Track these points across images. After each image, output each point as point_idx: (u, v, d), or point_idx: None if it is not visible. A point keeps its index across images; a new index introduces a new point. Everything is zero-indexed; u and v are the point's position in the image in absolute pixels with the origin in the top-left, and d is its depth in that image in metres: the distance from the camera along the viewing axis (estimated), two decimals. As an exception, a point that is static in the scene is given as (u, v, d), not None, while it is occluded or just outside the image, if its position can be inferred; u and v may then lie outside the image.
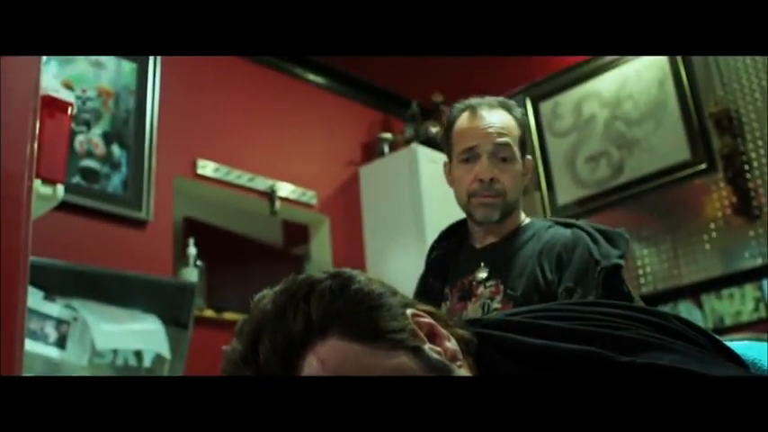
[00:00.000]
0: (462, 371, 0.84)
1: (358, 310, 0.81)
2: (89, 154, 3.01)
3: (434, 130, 4.13)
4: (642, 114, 3.74)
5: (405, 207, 3.86)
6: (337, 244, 3.98)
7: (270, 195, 3.71)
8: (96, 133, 3.06)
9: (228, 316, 3.25)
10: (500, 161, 1.72)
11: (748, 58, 3.45)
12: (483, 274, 1.72)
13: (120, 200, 3.05)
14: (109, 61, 3.17)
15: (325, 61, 4.20)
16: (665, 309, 3.20)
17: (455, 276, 1.77)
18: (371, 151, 4.30)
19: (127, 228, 3.07)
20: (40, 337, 2.40)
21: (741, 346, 0.99)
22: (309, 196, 3.91)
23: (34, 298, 2.38)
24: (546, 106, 4.08)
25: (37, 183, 1.66)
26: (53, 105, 1.74)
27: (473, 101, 1.83)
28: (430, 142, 4.07)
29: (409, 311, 0.85)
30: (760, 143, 3.36)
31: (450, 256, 1.83)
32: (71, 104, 1.81)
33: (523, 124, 1.80)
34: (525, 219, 1.81)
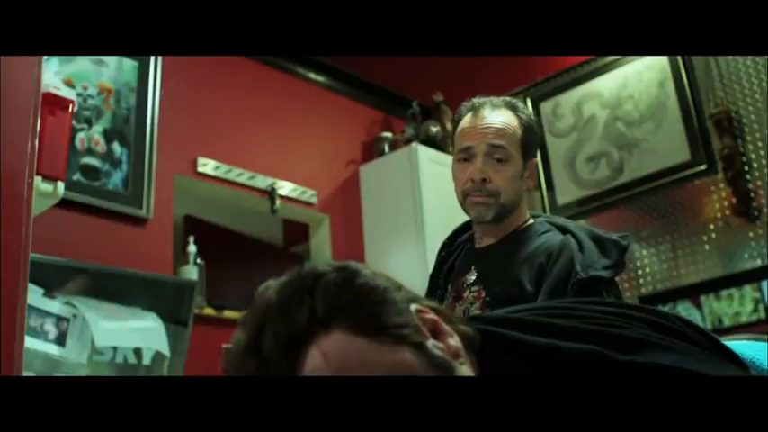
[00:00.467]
0: (464, 368, 0.84)
1: (362, 304, 0.80)
2: (90, 151, 3.02)
3: (435, 129, 4.13)
4: (642, 115, 3.74)
5: (405, 206, 3.86)
6: (337, 243, 3.99)
7: (270, 194, 3.71)
8: (97, 131, 3.06)
9: (228, 314, 3.25)
10: (495, 162, 1.71)
11: (749, 59, 3.45)
12: (472, 277, 1.71)
13: (121, 197, 3.05)
14: (110, 59, 3.17)
15: (326, 60, 4.20)
16: (664, 309, 3.20)
17: (456, 276, 1.77)
18: (372, 150, 4.30)
19: (127, 225, 3.07)
20: (39, 334, 2.41)
21: (739, 344, 0.99)
22: (310, 195, 3.91)
23: (34, 295, 2.39)
24: (546, 106, 4.08)
25: (38, 180, 1.66)
26: (54, 103, 1.75)
27: (478, 100, 1.82)
28: (430, 142, 4.07)
29: (413, 307, 0.85)
30: (760, 144, 3.37)
31: (457, 254, 1.83)
32: (72, 102, 1.81)
33: (528, 125, 1.76)
34: (528, 221, 1.77)
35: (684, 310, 3.39)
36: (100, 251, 2.88)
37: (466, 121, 1.78)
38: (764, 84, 3.39)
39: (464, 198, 1.73)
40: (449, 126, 4.23)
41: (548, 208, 3.89)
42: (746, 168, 3.38)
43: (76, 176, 2.93)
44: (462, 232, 1.89)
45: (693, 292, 3.43)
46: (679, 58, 3.64)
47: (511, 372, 0.86)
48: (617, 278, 1.65)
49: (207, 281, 3.30)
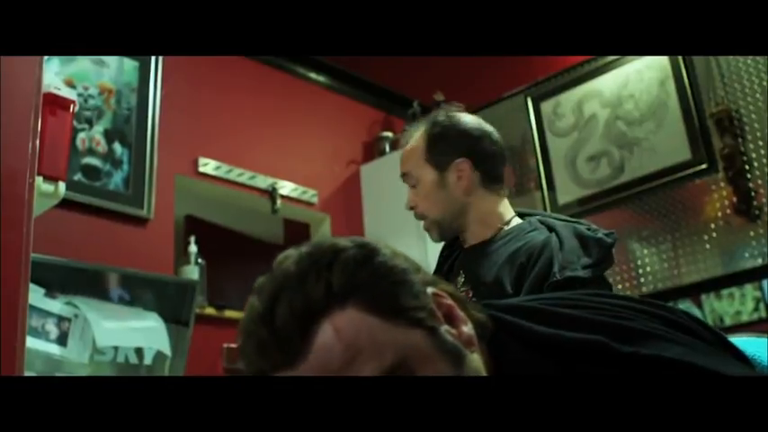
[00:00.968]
0: (475, 356, 0.84)
1: (380, 284, 0.80)
2: (91, 151, 3.02)
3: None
4: (643, 114, 3.74)
5: (405, 206, 3.85)
6: (338, 242, 3.98)
7: (271, 194, 3.71)
8: (98, 131, 3.07)
9: (229, 314, 3.25)
10: (412, 188, 1.76)
11: (749, 59, 3.45)
12: (461, 279, 1.70)
13: (122, 197, 3.06)
14: (111, 59, 3.17)
15: (327, 60, 4.20)
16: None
17: (453, 276, 1.77)
18: (372, 150, 4.30)
19: (128, 225, 3.07)
20: (41, 334, 2.41)
21: (740, 341, 0.99)
22: (310, 195, 3.91)
23: (36, 295, 2.39)
24: (547, 106, 4.07)
25: (39, 180, 1.66)
26: (55, 103, 1.75)
27: (407, 127, 1.86)
28: (431, 141, 4.06)
29: (430, 290, 0.85)
30: (761, 143, 3.36)
31: (457, 254, 1.83)
32: (73, 102, 1.82)
33: (433, 133, 1.72)
34: (511, 220, 1.73)
35: (686, 309, 3.39)
36: (101, 251, 2.88)
37: None
38: (765, 83, 3.39)
39: None
40: (449, 125, 4.23)
41: (549, 207, 3.89)
42: (747, 167, 3.37)
43: (77, 176, 2.93)
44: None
45: (694, 292, 3.42)
46: (680, 57, 3.64)
47: (520, 360, 0.86)
48: (611, 275, 1.63)
49: (208, 281, 3.31)
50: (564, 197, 3.91)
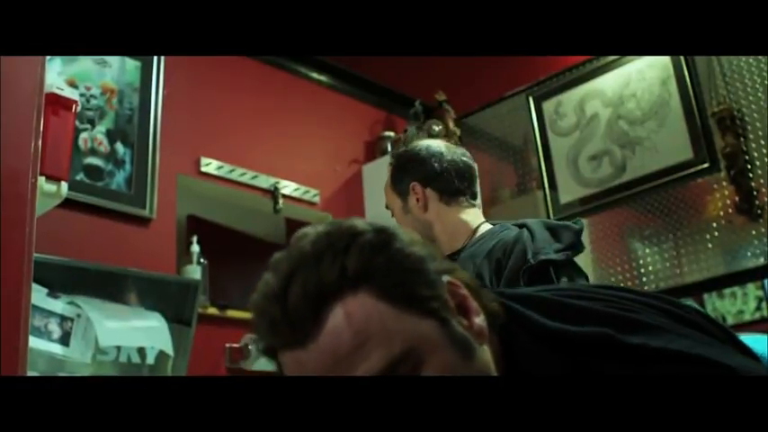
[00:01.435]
0: (484, 348, 0.84)
1: (395, 271, 0.80)
2: (93, 151, 3.02)
3: (437, 128, 4.13)
4: (645, 113, 3.73)
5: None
6: (340, 242, 3.98)
7: (273, 193, 3.71)
8: (100, 131, 3.07)
9: (231, 313, 3.25)
10: (393, 217, 1.90)
11: (751, 58, 3.45)
12: None
13: (124, 197, 3.06)
14: (113, 59, 3.18)
15: (329, 60, 4.20)
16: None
17: None
18: (374, 149, 4.30)
19: (130, 225, 3.08)
20: (43, 333, 2.41)
21: (746, 338, 1.00)
22: (312, 194, 3.91)
23: (38, 295, 2.39)
24: (548, 105, 4.07)
25: (41, 180, 1.67)
26: (57, 103, 1.76)
27: None
28: (433, 141, 4.06)
29: (445, 279, 0.85)
30: (762, 142, 3.36)
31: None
32: (75, 102, 1.82)
33: (392, 164, 1.91)
34: (481, 227, 1.84)
35: (688, 308, 3.38)
36: (103, 251, 2.88)
37: None
38: (767, 82, 3.38)
39: None
40: (451, 125, 4.23)
41: (550, 207, 3.89)
42: (749, 166, 3.37)
43: (80, 176, 2.93)
44: None
45: (696, 291, 3.42)
46: (682, 56, 3.64)
47: (529, 351, 0.86)
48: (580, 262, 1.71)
49: (210, 280, 3.30)
50: (566, 196, 3.91)
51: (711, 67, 3.57)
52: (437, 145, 1.91)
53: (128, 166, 3.10)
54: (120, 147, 3.11)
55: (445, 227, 1.83)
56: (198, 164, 3.45)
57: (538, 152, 4.02)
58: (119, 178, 3.06)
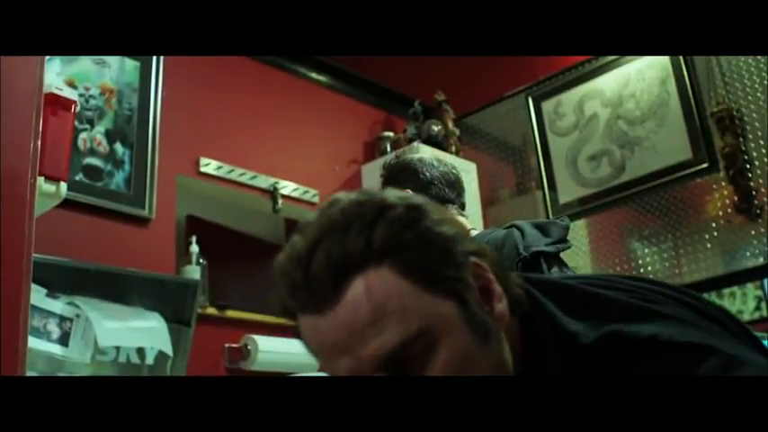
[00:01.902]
0: (501, 335, 0.84)
1: (421, 249, 0.79)
2: (92, 152, 3.02)
3: (436, 128, 4.13)
4: (644, 113, 3.74)
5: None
6: (339, 242, 3.98)
7: (272, 193, 3.71)
8: (99, 131, 3.07)
9: (231, 313, 3.25)
10: None
11: (750, 58, 3.45)
12: None
13: (123, 197, 3.06)
14: (112, 59, 3.17)
15: (328, 60, 4.20)
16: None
17: None
18: (373, 150, 4.30)
19: (130, 225, 3.07)
20: (42, 334, 2.41)
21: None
22: (312, 194, 3.91)
23: (37, 295, 2.39)
24: (548, 105, 4.08)
25: (40, 180, 1.67)
26: (56, 103, 1.76)
27: None
28: (432, 141, 4.07)
29: (472, 260, 0.84)
30: (761, 142, 3.36)
31: None
32: (74, 102, 1.82)
33: (389, 168, 2.04)
34: (471, 232, 1.85)
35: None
36: (103, 251, 2.88)
37: None
38: (766, 82, 3.39)
39: None
40: (450, 125, 4.23)
41: (550, 207, 3.89)
42: (748, 166, 3.37)
43: (79, 177, 2.93)
44: None
45: (696, 291, 3.42)
46: (681, 56, 3.64)
47: (544, 343, 0.86)
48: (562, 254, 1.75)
49: (209, 280, 3.30)
50: (565, 196, 3.91)
51: (710, 68, 3.57)
52: (428, 157, 2.03)
53: (127, 167, 3.10)
54: (119, 147, 3.11)
55: None
56: (197, 164, 3.45)
57: (537, 152, 4.03)
58: (118, 178, 3.06)
